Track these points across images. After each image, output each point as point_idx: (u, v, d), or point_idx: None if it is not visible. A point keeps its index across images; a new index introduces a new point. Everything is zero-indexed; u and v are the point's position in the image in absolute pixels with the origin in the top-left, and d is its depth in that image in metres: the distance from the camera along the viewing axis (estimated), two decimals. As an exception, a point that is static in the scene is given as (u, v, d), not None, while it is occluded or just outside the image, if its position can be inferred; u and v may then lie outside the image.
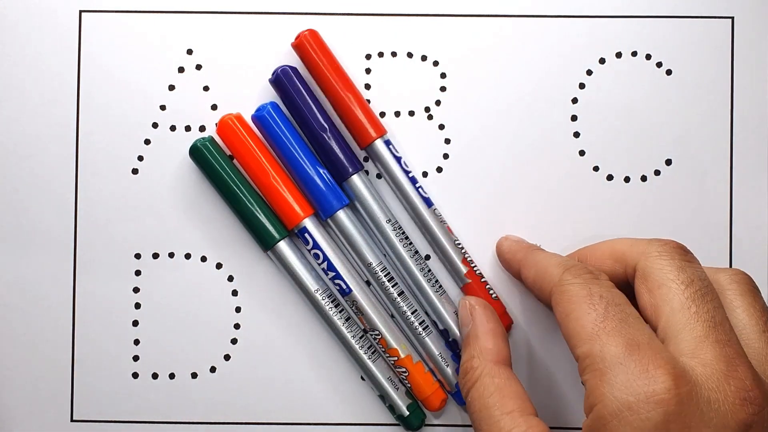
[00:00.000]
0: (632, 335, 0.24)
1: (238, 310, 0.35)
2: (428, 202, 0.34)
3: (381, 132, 0.34)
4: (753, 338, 0.27)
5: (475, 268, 0.34)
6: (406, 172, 0.34)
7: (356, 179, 0.34)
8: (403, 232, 0.34)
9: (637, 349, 0.24)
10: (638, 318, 0.26)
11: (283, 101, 0.34)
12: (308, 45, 0.33)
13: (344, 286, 0.33)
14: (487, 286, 0.34)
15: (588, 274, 0.27)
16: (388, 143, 0.34)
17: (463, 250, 0.34)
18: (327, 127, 0.33)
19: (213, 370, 0.35)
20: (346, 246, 0.34)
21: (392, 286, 0.34)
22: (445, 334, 0.34)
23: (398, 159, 0.34)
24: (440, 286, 0.34)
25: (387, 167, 0.34)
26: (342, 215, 0.33)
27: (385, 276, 0.34)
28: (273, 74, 0.33)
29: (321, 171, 0.33)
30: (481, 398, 0.29)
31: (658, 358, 0.24)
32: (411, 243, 0.34)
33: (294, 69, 0.34)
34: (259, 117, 0.33)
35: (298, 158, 0.33)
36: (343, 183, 0.34)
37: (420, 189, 0.34)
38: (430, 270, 0.34)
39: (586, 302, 0.26)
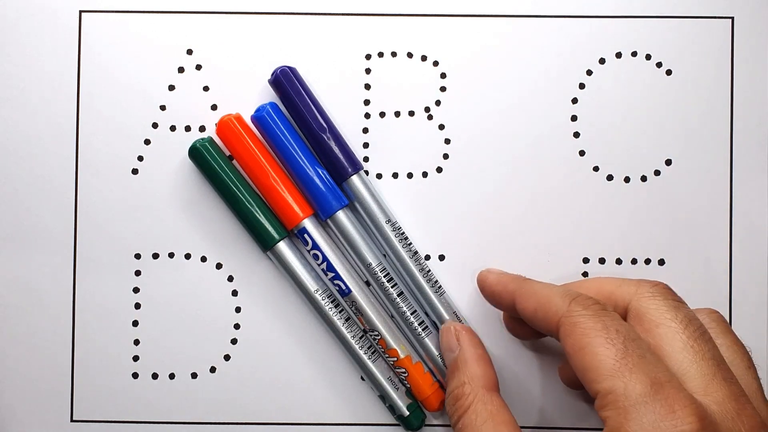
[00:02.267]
0: (654, 372, 0.24)
1: (238, 310, 0.35)
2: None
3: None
4: (741, 374, 0.27)
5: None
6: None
7: (356, 180, 0.34)
8: (403, 233, 0.34)
9: (660, 388, 0.24)
10: (654, 353, 0.25)
11: (282, 101, 0.34)
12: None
13: (344, 287, 0.33)
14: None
15: (596, 305, 0.27)
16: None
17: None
18: (327, 127, 0.33)
19: (213, 370, 0.35)
20: (346, 246, 0.34)
21: (392, 287, 0.34)
22: (444, 334, 0.34)
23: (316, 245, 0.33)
24: (440, 287, 0.34)
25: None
26: (341, 215, 0.33)
27: (384, 276, 0.34)
28: (272, 75, 0.33)
29: (320, 171, 0.33)
30: (473, 426, 0.29)
31: (682, 397, 0.24)
32: (410, 243, 0.34)
33: (293, 69, 0.34)
34: (258, 117, 0.33)
35: (297, 158, 0.33)
36: (343, 183, 0.34)
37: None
38: (429, 270, 0.34)
39: (603, 336, 0.25)
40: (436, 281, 0.34)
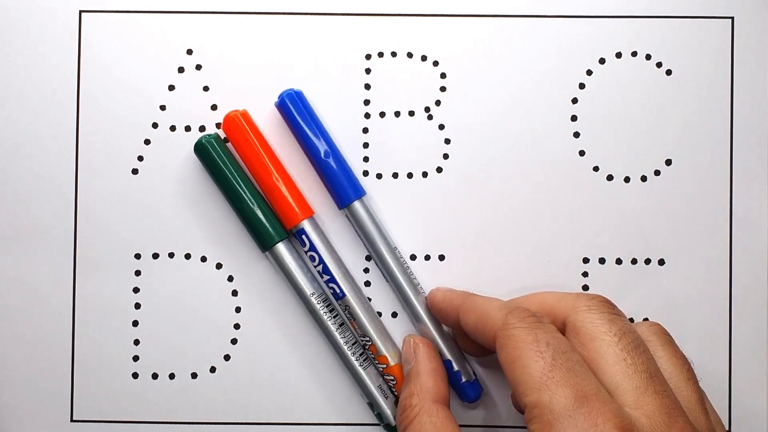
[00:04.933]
0: (580, 386, 0.24)
1: (238, 310, 0.35)
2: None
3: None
4: (681, 386, 0.27)
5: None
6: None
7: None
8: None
9: (585, 401, 0.24)
10: (584, 366, 0.25)
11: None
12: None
13: (338, 290, 0.33)
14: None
15: (531, 318, 0.27)
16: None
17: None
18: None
19: (213, 370, 0.35)
20: (361, 238, 0.34)
21: (411, 274, 0.34)
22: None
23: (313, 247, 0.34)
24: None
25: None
26: (358, 206, 0.33)
27: (403, 264, 0.34)
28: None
29: (342, 160, 0.34)
30: None
31: (607, 411, 0.24)
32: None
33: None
34: (282, 102, 0.33)
35: (317, 146, 0.33)
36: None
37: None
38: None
39: (533, 349, 0.26)
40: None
